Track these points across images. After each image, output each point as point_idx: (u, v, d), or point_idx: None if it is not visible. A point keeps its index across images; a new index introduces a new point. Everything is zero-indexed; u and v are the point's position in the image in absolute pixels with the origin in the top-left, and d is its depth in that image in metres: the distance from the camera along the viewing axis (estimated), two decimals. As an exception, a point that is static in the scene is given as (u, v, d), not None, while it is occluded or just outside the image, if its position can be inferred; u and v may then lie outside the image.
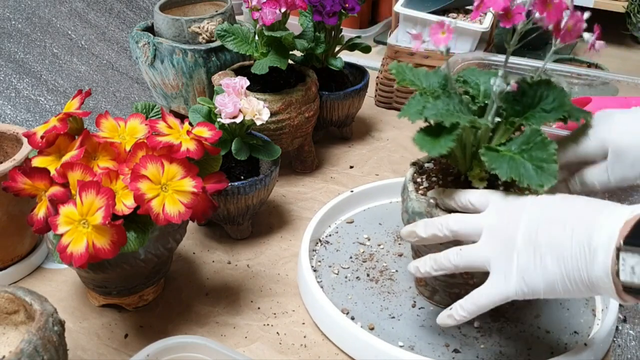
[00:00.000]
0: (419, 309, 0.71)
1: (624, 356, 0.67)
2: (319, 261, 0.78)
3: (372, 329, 0.68)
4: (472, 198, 0.59)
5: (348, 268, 0.77)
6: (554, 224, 0.51)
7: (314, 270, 0.75)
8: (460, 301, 0.58)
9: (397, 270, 0.76)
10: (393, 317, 0.69)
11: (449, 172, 0.67)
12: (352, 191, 0.86)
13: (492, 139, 0.61)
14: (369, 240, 0.81)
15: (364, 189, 0.88)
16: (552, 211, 0.53)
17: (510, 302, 0.54)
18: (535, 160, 0.55)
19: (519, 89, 0.60)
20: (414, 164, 0.69)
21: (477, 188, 0.60)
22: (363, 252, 0.79)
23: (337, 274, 0.76)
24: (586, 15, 0.56)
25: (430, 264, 0.60)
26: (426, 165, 0.69)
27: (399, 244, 0.80)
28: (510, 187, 0.61)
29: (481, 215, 0.57)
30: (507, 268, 0.53)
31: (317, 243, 0.81)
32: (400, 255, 0.78)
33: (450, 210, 0.61)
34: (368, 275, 0.75)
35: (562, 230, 0.51)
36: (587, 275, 0.49)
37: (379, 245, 0.81)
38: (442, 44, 0.57)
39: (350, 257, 0.78)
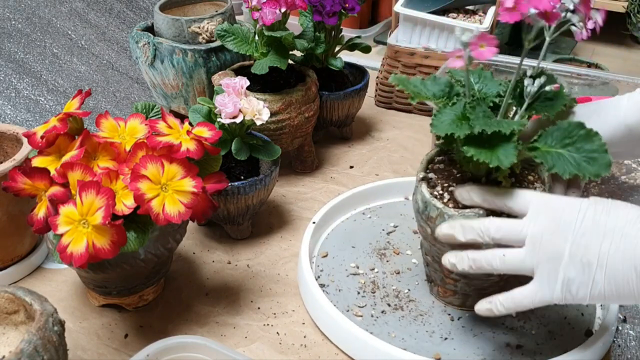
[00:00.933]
0: (458, 319, 0.69)
1: (624, 356, 0.67)
2: (319, 273, 0.76)
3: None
4: (509, 202, 0.57)
5: (365, 306, 0.71)
6: (603, 239, 0.51)
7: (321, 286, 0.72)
8: (500, 297, 0.57)
9: (409, 290, 0.73)
10: (446, 339, 0.67)
11: (452, 170, 0.67)
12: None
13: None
14: (358, 268, 0.77)
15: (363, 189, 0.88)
16: (598, 225, 0.52)
17: None
18: (584, 152, 0.56)
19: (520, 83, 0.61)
20: (423, 178, 0.66)
21: (506, 186, 0.60)
22: (364, 282, 0.74)
23: (362, 317, 0.70)
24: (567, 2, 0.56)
25: (468, 263, 0.58)
26: (429, 175, 0.67)
27: (387, 261, 0.77)
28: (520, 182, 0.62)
29: (524, 222, 0.55)
30: (553, 278, 0.53)
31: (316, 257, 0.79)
32: (398, 272, 0.76)
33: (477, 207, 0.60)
34: (389, 305, 0.71)
35: (609, 245, 0.51)
36: (637, 290, 0.50)
37: (372, 269, 0.76)
38: (489, 57, 0.56)
39: (359, 293, 0.73)
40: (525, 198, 0.57)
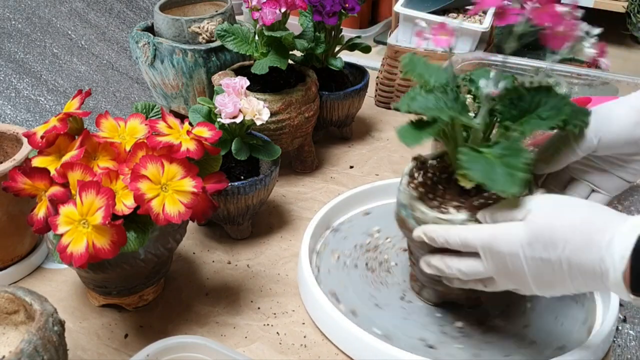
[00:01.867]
0: (407, 302, 0.71)
1: (624, 356, 0.67)
2: (325, 245, 0.80)
3: (353, 313, 0.69)
4: (461, 240, 0.56)
5: (350, 255, 0.78)
6: (554, 266, 0.51)
7: (317, 253, 0.79)
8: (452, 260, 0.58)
9: (396, 264, 0.77)
10: (377, 306, 0.71)
11: (447, 169, 0.67)
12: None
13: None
14: (378, 232, 0.82)
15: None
16: (546, 251, 0.51)
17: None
18: (509, 167, 0.53)
19: (516, 93, 0.59)
20: (415, 158, 0.68)
21: (465, 188, 0.59)
22: (369, 242, 0.81)
23: (337, 260, 0.78)
24: (584, 26, 0.54)
25: (441, 269, 0.59)
26: (430, 162, 0.68)
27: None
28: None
29: (482, 263, 0.55)
30: (528, 291, 0.55)
31: (327, 229, 0.83)
32: (405, 250, 0.78)
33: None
34: (366, 264, 0.77)
35: (562, 274, 0.51)
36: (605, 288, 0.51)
37: (387, 238, 0.81)
38: (444, 45, 0.57)
39: (355, 246, 0.80)
40: (475, 245, 0.55)
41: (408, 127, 0.57)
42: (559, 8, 0.52)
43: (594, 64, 0.56)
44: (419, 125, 0.57)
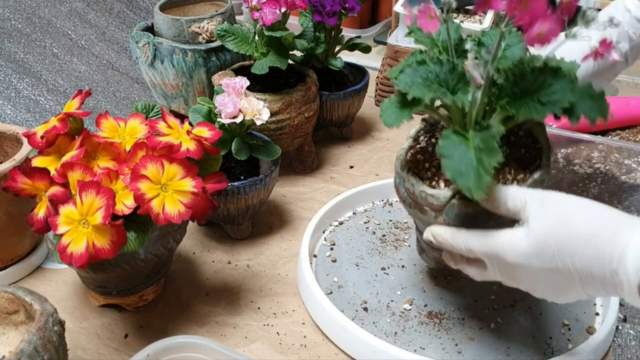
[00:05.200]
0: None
1: (624, 356, 0.67)
2: (325, 245, 0.82)
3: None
4: (465, 248, 0.54)
5: (350, 255, 0.79)
6: (564, 275, 0.49)
7: (317, 253, 0.80)
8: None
9: (396, 264, 0.77)
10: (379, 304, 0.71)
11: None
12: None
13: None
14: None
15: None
16: (553, 262, 0.49)
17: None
18: (480, 164, 0.49)
19: (518, 69, 0.53)
20: (424, 119, 0.63)
21: None
22: (369, 242, 0.82)
23: (337, 260, 0.79)
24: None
25: (450, 265, 0.58)
26: (441, 124, 0.63)
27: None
28: None
29: (489, 270, 0.54)
30: (540, 296, 0.54)
31: (327, 229, 0.84)
32: (409, 245, 0.79)
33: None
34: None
35: (572, 283, 0.49)
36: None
37: (385, 237, 0.82)
38: (432, 29, 0.52)
39: (355, 246, 0.81)
40: (479, 255, 0.53)
41: (392, 103, 0.53)
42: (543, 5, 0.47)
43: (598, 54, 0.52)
44: (404, 103, 0.52)
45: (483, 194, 0.48)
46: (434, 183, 0.59)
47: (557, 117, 0.52)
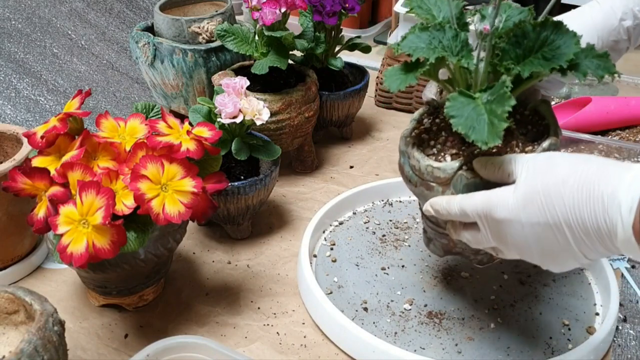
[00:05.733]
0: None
1: (624, 356, 0.67)
2: (325, 245, 0.82)
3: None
4: (459, 210, 0.54)
5: (350, 255, 0.79)
6: (554, 229, 0.48)
7: (317, 253, 0.80)
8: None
9: (396, 264, 0.77)
10: (379, 304, 0.70)
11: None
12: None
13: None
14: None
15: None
16: (542, 214, 0.48)
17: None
18: (492, 115, 0.49)
19: (520, 29, 0.53)
20: (428, 102, 0.63)
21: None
22: (369, 242, 0.82)
23: (337, 260, 0.79)
24: None
25: (451, 235, 0.58)
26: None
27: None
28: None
29: (483, 232, 0.53)
30: (535, 261, 0.52)
31: (327, 229, 0.84)
32: (409, 245, 0.79)
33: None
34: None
35: (564, 239, 0.48)
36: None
37: (385, 237, 0.82)
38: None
39: (355, 246, 0.81)
40: (472, 214, 0.53)
41: (396, 70, 0.53)
42: None
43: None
44: (408, 68, 0.53)
45: (499, 141, 0.48)
46: (439, 158, 0.59)
47: (563, 73, 0.51)
